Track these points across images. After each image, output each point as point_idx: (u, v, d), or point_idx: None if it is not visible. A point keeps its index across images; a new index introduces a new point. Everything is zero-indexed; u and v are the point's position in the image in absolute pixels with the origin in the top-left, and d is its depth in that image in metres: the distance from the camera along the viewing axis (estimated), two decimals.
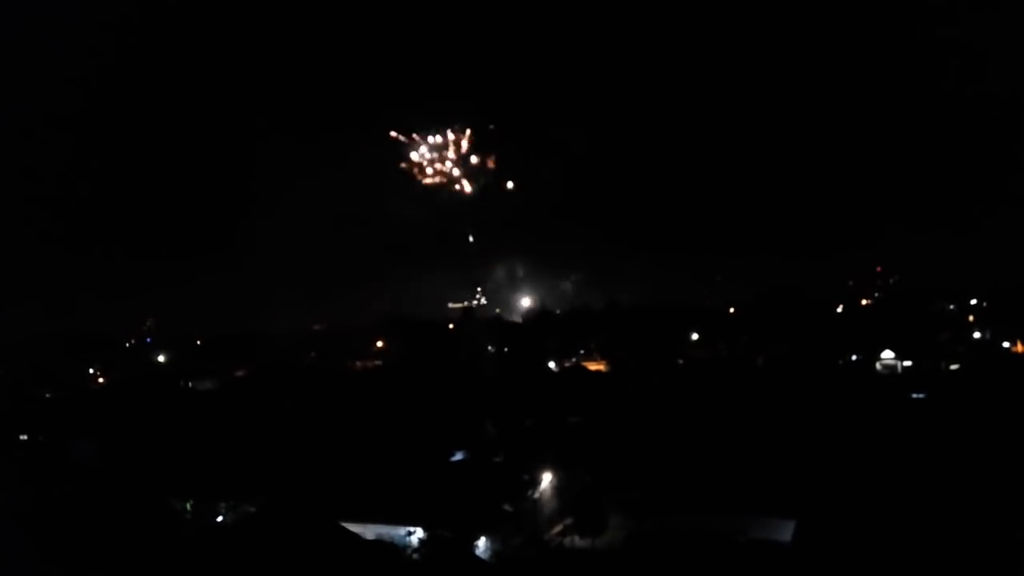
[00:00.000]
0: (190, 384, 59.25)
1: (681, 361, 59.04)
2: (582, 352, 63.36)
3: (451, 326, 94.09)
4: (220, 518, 26.46)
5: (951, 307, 69.64)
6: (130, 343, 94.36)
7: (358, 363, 70.27)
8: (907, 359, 48.77)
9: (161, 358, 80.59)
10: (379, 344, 78.78)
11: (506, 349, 70.30)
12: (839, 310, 79.65)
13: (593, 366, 57.97)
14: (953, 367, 44.77)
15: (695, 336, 69.65)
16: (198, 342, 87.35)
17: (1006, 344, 52.77)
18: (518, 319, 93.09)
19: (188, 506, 27.17)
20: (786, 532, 23.93)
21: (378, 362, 70.03)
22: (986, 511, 23.98)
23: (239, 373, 64.30)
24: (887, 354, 50.21)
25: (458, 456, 32.01)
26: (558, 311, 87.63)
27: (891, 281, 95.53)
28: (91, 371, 71.78)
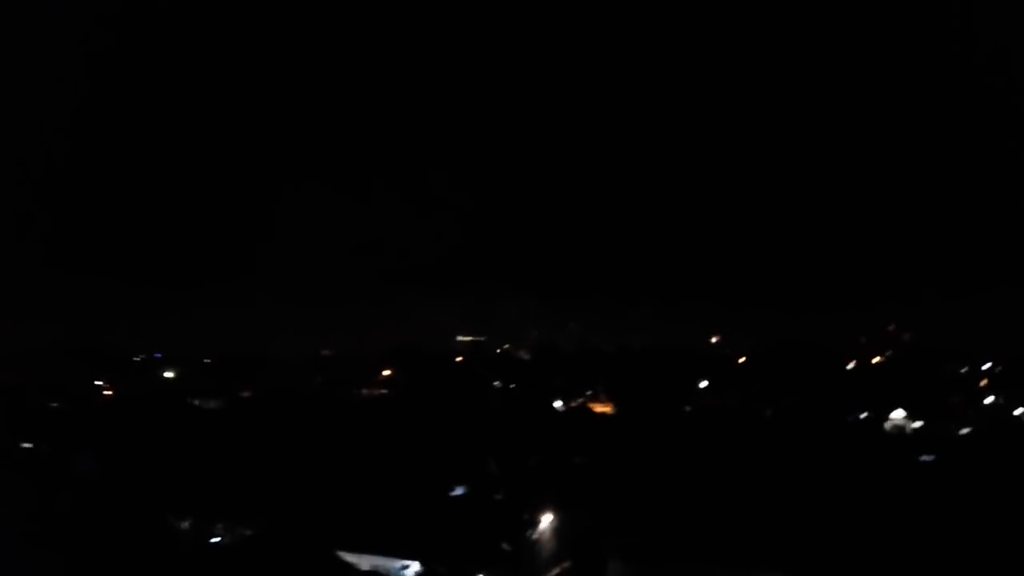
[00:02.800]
0: (196, 402, 59.26)
1: (689, 408, 58.68)
2: (589, 393, 63.11)
3: (459, 359, 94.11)
4: (217, 539, 26.34)
5: (964, 370, 69.05)
6: (139, 358, 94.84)
7: (364, 391, 70.24)
8: (917, 420, 48.29)
9: (169, 374, 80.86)
10: (386, 373, 78.81)
11: (512, 386, 70.17)
12: (850, 366, 79.13)
13: (599, 408, 57.65)
14: (963, 431, 44.29)
15: (704, 384, 69.32)
16: (207, 361, 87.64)
17: (1019, 411, 52.16)
18: (526, 356, 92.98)
19: (186, 525, 27.10)
20: None
21: (384, 391, 69.99)
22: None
23: (245, 394, 64.34)
24: (897, 413, 49.71)
25: (459, 491, 31.82)
26: (567, 351, 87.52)
27: (904, 340, 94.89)
28: (97, 384, 72.04)
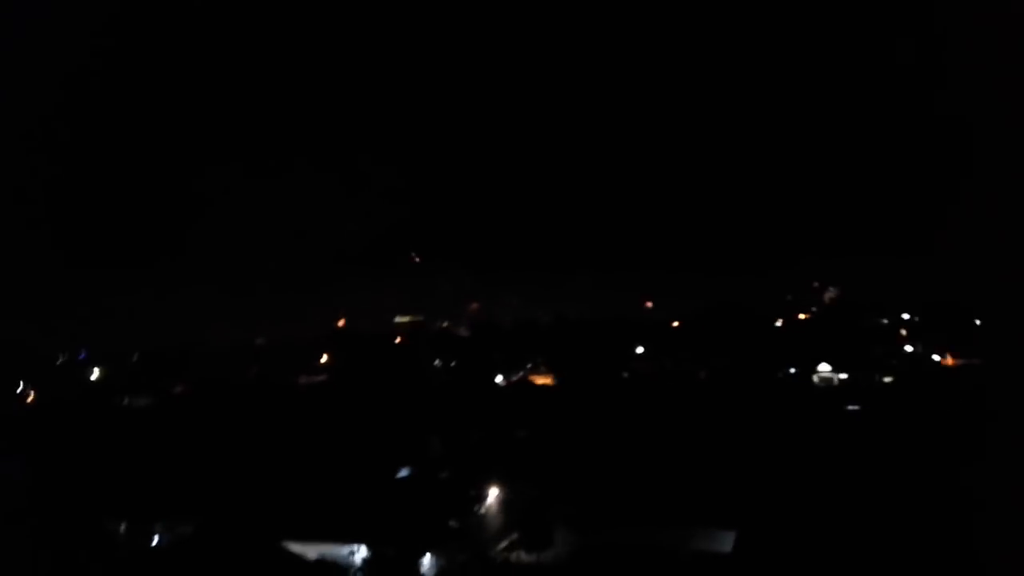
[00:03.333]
0: (126, 401, 57.31)
1: (627, 374, 59.66)
2: (529, 366, 63.53)
3: (398, 340, 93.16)
4: (156, 539, 25.65)
5: (885, 322, 72.02)
6: (62, 357, 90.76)
7: (302, 378, 69.10)
8: (843, 372, 50.23)
9: (95, 374, 77.83)
10: (324, 358, 77.59)
11: (453, 363, 69.98)
12: (778, 324, 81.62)
13: (540, 380, 58.11)
14: (887, 379, 46.33)
15: (640, 350, 70.51)
16: (135, 357, 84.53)
17: (936, 357, 54.76)
18: (465, 333, 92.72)
19: (123, 528, 26.30)
20: (727, 543, 24.41)
21: (323, 376, 68.97)
22: (918, 518, 24.88)
23: (178, 389, 62.53)
24: (824, 367, 51.59)
25: (403, 472, 31.72)
26: (505, 325, 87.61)
27: (828, 296, 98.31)
28: (19, 388, 68.82)
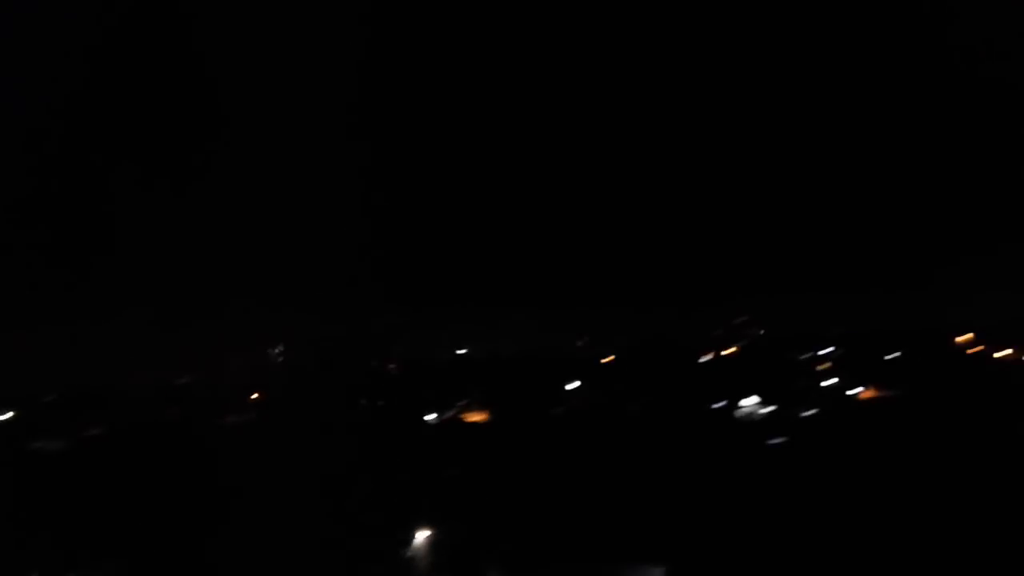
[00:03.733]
0: (37, 445, 54.49)
1: (559, 411, 59.99)
2: (461, 404, 63.22)
3: (324, 375, 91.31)
4: None
5: (806, 356, 74.56)
6: None
7: (228, 417, 66.97)
8: (767, 405, 51.67)
9: (4, 417, 73.83)
10: (252, 396, 75.55)
11: (382, 402, 69.04)
12: (705, 359, 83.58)
13: (473, 418, 57.85)
14: (808, 413, 47.90)
15: (572, 386, 71.03)
16: (46, 399, 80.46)
17: (857, 390, 56.91)
18: (397, 370, 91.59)
19: None
20: None
21: (250, 416, 67.01)
22: (840, 550, 25.73)
23: (92, 432, 59.79)
24: (748, 401, 52.92)
25: (330, 515, 31.05)
26: (439, 362, 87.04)
27: (753, 331, 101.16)
28: None
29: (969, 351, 52.27)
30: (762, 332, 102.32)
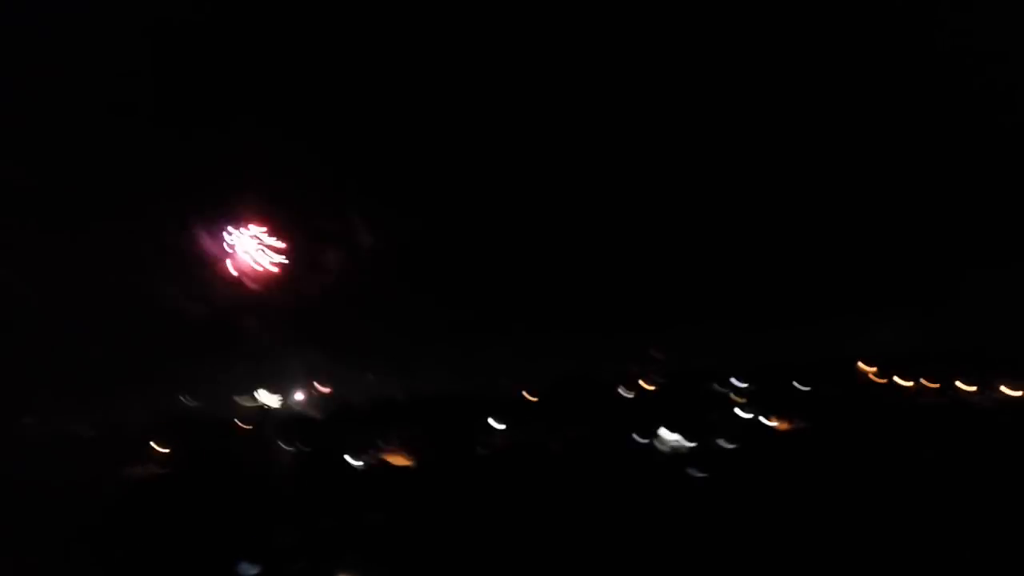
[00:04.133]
0: None
1: (482, 450, 59.62)
2: (384, 446, 62.04)
3: (240, 424, 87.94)
4: None
5: (720, 388, 76.74)
6: None
7: (133, 470, 63.46)
8: (687, 439, 52.86)
9: None
10: (158, 448, 71.90)
11: (303, 447, 67.06)
12: (623, 393, 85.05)
13: (396, 460, 56.75)
14: (726, 445, 49.29)
15: (494, 424, 70.81)
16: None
17: (772, 422, 58.93)
18: (315, 414, 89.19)
19: None
20: None
21: (157, 469, 63.71)
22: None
23: None
24: (667, 434, 53.95)
25: (250, 571, 29.73)
26: (360, 404, 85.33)
27: (666, 364, 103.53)
28: None
29: (876, 381, 55.02)
30: (671, 362, 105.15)
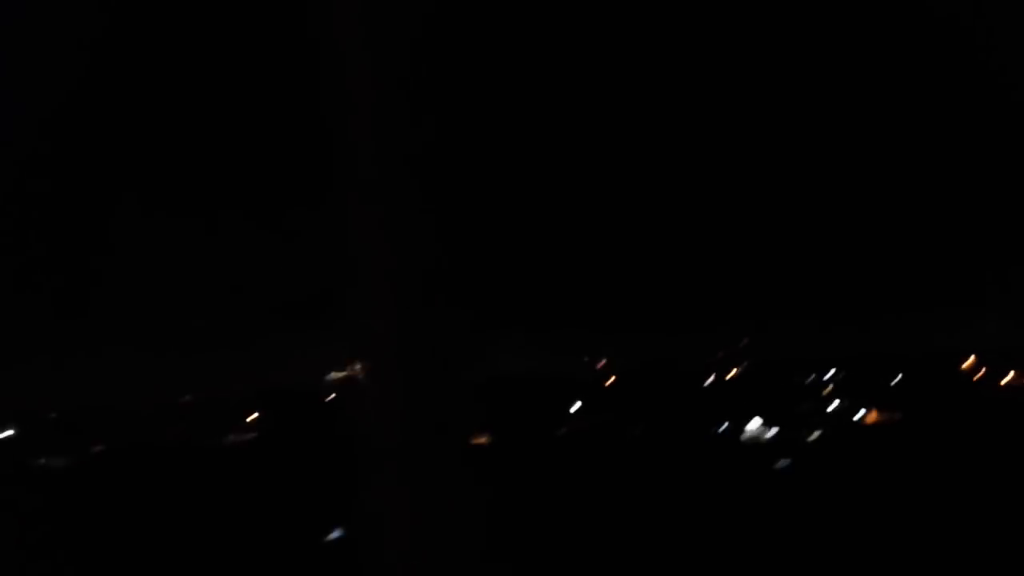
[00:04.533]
0: (42, 461, 54.42)
1: (563, 431, 59.94)
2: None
3: (331, 396, 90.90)
4: None
5: (811, 379, 74.55)
6: None
7: (230, 437, 66.83)
8: (772, 428, 51.67)
9: (8, 433, 73.74)
10: (253, 416, 75.42)
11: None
12: (709, 381, 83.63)
13: (475, 440, 57.87)
14: (813, 436, 48.00)
15: (576, 407, 71.02)
16: (52, 415, 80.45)
17: (861, 413, 56.83)
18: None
19: None
20: None
21: (252, 435, 66.90)
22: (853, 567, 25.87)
23: (97, 449, 59.70)
24: (753, 423, 52.85)
25: (336, 534, 30.95)
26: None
27: (756, 353, 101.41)
28: None
29: (974, 375, 52.39)
30: (762, 352, 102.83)
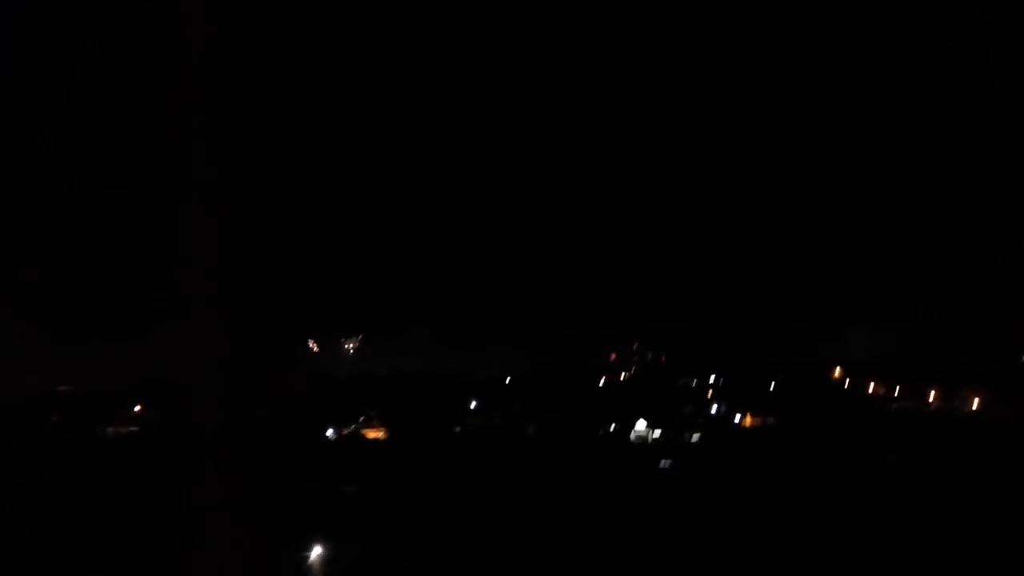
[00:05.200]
0: None
1: (458, 429, 60.52)
2: (362, 419, 62.82)
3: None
4: None
5: (695, 383, 78.19)
6: None
7: (110, 429, 63.78)
8: (657, 429, 54.07)
9: None
10: (137, 408, 72.27)
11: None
12: (602, 382, 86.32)
13: (372, 434, 57.51)
14: (694, 437, 50.64)
15: (472, 404, 71.77)
16: None
17: (738, 417, 60.19)
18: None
19: None
20: None
21: (134, 428, 64.08)
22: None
23: None
24: (640, 424, 55.08)
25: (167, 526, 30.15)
26: (339, 377, 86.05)
27: (647, 357, 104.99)
28: None
29: (844, 384, 56.28)
30: (651, 356, 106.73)
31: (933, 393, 50.04)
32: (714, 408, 58.33)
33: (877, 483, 35.15)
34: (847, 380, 56.31)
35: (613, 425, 59.84)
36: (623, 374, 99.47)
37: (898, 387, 51.95)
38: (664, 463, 43.49)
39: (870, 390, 54.08)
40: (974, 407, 47.11)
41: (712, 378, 73.50)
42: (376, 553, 27.87)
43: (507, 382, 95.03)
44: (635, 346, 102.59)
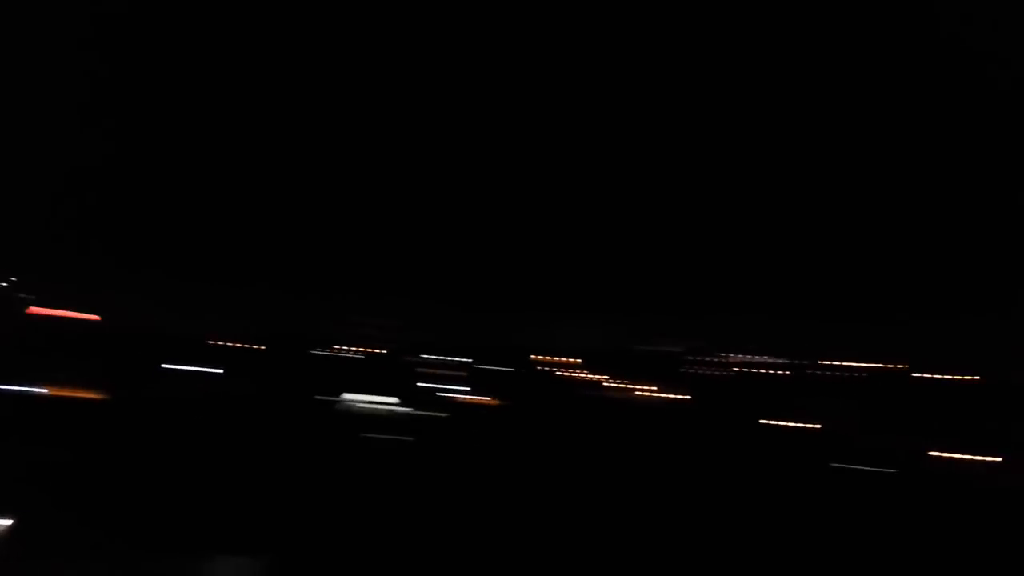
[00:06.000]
0: None
1: (158, 391, 56.25)
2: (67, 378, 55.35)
3: None
4: None
5: (433, 358, 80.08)
6: None
7: None
8: (403, 405, 54.87)
9: None
10: None
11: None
12: (327, 353, 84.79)
13: (80, 393, 51.47)
14: (436, 414, 52.59)
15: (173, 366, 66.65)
16: None
17: (478, 397, 63.09)
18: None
19: None
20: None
21: None
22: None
23: None
24: (352, 395, 54.95)
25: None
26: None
27: (391, 333, 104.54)
28: None
29: (555, 371, 61.52)
30: (396, 332, 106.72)
31: (614, 382, 56.96)
32: (454, 387, 60.77)
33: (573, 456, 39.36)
34: (554, 367, 61.77)
35: (329, 396, 59.06)
36: (356, 348, 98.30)
37: (594, 377, 58.12)
38: (405, 437, 44.68)
39: (571, 376, 59.77)
40: (644, 394, 54.34)
41: (451, 357, 76.06)
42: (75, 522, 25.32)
43: (240, 348, 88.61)
44: (353, 319, 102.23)
